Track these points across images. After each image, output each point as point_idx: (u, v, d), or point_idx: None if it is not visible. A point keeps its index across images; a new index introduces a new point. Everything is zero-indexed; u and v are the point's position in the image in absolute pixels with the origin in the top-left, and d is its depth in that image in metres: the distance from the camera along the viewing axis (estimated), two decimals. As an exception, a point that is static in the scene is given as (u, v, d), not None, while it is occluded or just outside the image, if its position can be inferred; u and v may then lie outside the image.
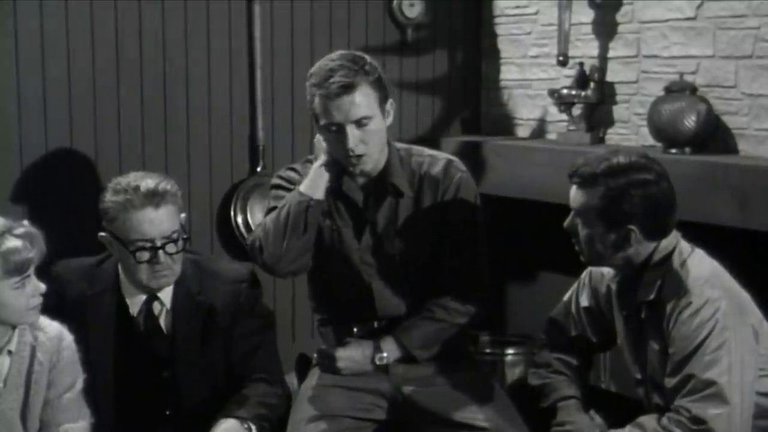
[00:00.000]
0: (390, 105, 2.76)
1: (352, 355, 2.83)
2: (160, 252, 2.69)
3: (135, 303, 2.80)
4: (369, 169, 2.76)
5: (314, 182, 2.73)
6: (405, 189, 2.81)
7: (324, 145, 2.77)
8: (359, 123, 2.67)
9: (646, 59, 3.68)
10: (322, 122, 2.70)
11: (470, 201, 2.85)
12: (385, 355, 2.80)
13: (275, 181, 2.90)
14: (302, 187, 2.73)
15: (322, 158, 2.75)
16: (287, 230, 2.70)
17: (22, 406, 2.55)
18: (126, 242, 2.69)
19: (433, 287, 2.84)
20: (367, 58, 2.75)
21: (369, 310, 2.85)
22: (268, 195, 2.94)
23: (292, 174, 2.87)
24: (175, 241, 2.71)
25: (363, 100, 2.67)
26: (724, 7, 3.39)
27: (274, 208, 2.79)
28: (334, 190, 2.79)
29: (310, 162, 2.85)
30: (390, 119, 2.78)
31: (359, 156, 2.70)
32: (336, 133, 2.69)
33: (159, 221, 2.69)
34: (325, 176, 2.74)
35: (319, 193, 2.73)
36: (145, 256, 2.69)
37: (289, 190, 2.81)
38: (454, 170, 2.85)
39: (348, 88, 2.65)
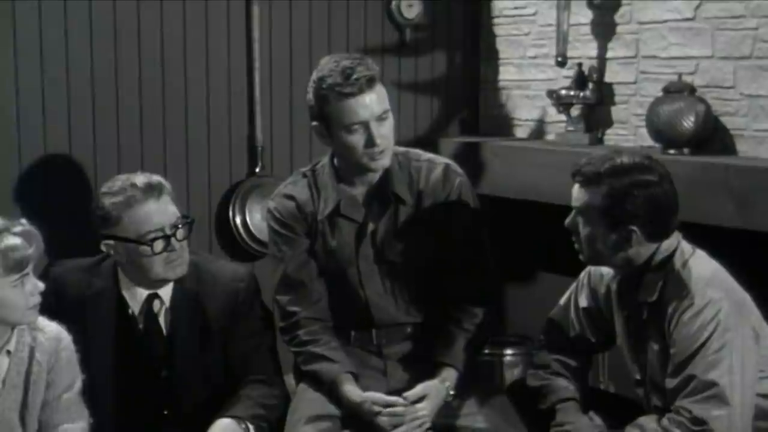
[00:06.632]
0: None
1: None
2: (173, 239, 2.71)
3: (136, 302, 2.80)
4: (386, 163, 2.74)
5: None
6: (406, 196, 2.80)
7: None
8: (381, 118, 2.67)
9: (644, 60, 3.68)
10: (345, 122, 2.65)
11: (472, 204, 2.86)
12: (452, 392, 2.75)
13: (272, 224, 2.84)
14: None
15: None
16: None
17: (21, 407, 2.55)
18: (137, 238, 2.69)
19: (434, 293, 2.84)
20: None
21: (366, 318, 2.84)
22: (267, 225, 2.91)
23: (289, 205, 2.82)
24: (182, 227, 2.74)
25: (382, 94, 2.68)
26: (723, 8, 3.39)
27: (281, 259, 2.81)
28: (335, 213, 2.78)
29: (304, 175, 2.84)
30: None
31: (382, 151, 2.68)
32: (359, 133, 2.66)
33: (163, 211, 2.72)
34: None
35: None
36: (161, 245, 2.70)
37: (286, 238, 2.79)
38: (453, 174, 2.84)
39: (372, 82, 2.65)
